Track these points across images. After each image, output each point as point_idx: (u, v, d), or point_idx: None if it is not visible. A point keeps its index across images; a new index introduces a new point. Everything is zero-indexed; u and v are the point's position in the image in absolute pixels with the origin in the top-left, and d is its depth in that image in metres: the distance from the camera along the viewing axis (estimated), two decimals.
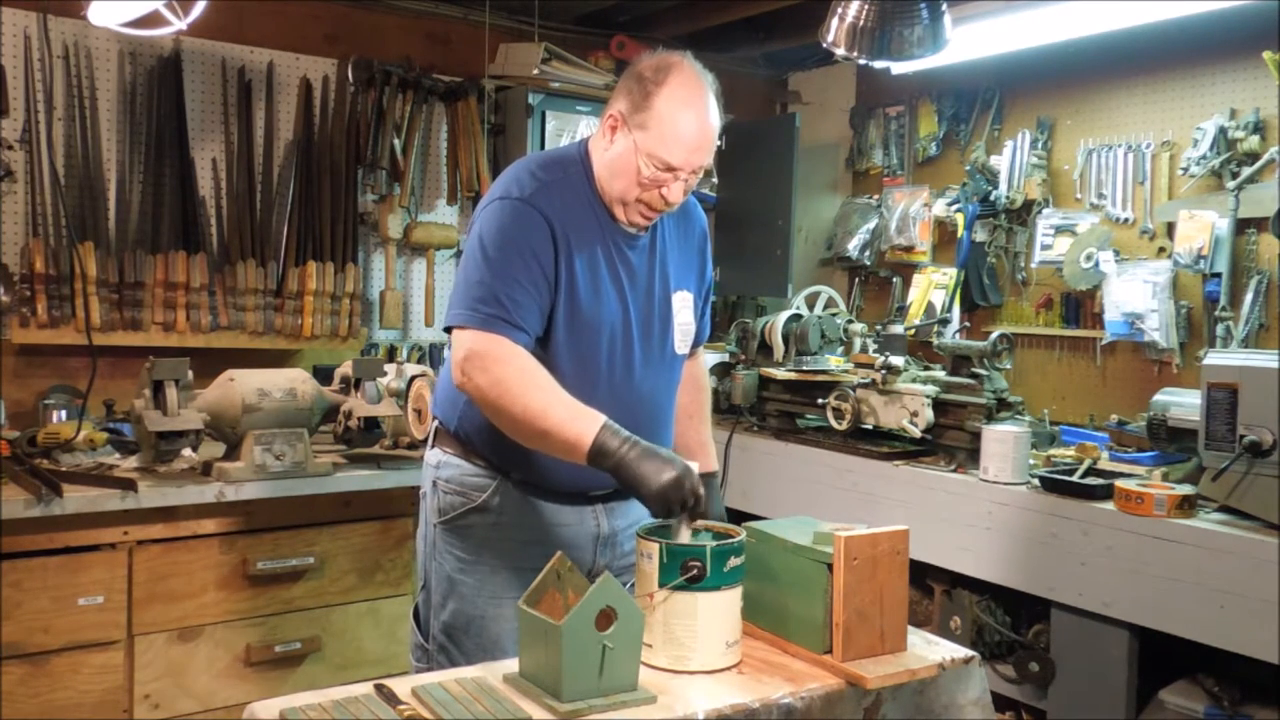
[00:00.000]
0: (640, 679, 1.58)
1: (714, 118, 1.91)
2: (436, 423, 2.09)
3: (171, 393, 2.60)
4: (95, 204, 3.23)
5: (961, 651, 1.79)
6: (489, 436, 1.93)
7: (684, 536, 1.69)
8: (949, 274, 3.81)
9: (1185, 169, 3.19)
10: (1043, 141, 3.62)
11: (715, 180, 4.30)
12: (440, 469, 2.04)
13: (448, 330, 1.89)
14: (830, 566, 1.69)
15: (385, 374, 3.03)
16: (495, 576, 1.98)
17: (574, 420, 1.74)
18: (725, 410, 3.61)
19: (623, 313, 1.96)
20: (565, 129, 3.80)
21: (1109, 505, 2.54)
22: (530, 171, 1.94)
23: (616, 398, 1.92)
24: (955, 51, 3.05)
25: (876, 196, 4.24)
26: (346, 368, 2.97)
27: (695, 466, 1.72)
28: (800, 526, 1.83)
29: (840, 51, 2.50)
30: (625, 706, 1.52)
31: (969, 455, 2.93)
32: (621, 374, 1.96)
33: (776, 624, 1.79)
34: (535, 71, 3.74)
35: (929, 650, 1.77)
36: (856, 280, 4.34)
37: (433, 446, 2.08)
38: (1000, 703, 2.74)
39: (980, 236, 3.76)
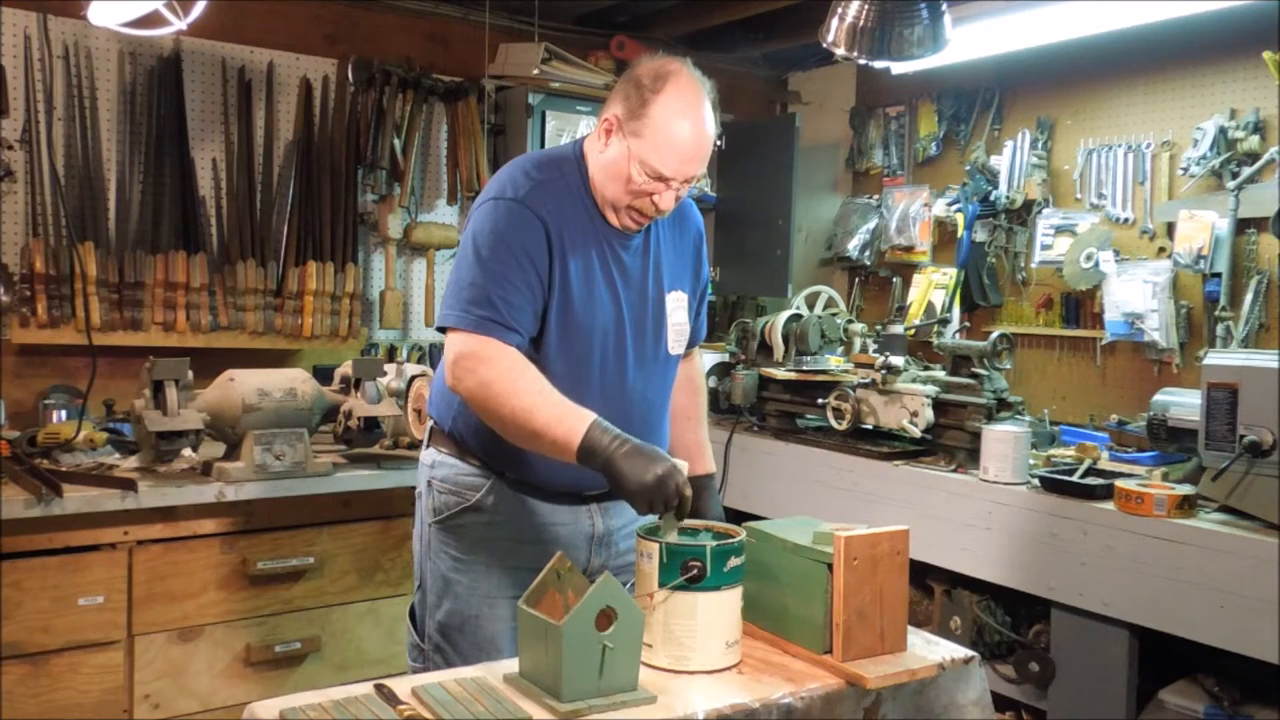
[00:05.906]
0: (640, 679, 1.58)
1: (709, 128, 1.89)
2: (432, 422, 2.09)
3: (171, 393, 2.60)
4: (95, 204, 3.22)
5: (961, 651, 1.79)
6: (483, 436, 1.93)
7: (671, 536, 1.68)
8: (949, 274, 3.80)
9: (1185, 169, 3.19)
10: (1043, 141, 3.62)
11: (709, 183, 4.30)
12: (435, 469, 2.04)
13: (441, 330, 1.89)
14: (830, 566, 1.69)
15: (385, 374, 3.03)
16: (490, 576, 1.98)
17: (563, 420, 1.73)
18: (725, 410, 3.61)
19: (616, 313, 1.95)
20: (565, 129, 3.79)
21: (1109, 505, 2.54)
22: (525, 171, 1.93)
23: (609, 398, 1.92)
24: (955, 51, 3.05)
25: (876, 196, 4.23)
26: (346, 368, 2.97)
27: (684, 466, 1.71)
28: (800, 526, 1.83)
29: (840, 51, 2.50)
30: (625, 706, 1.52)
31: (969, 455, 2.93)
32: (615, 375, 1.96)
33: (776, 624, 1.79)
34: (535, 71, 3.73)
35: (929, 650, 1.77)
36: (856, 280, 4.34)
37: (428, 446, 2.08)
38: (1000, 703, 2.73)
39: (980, 236, 3.75)
